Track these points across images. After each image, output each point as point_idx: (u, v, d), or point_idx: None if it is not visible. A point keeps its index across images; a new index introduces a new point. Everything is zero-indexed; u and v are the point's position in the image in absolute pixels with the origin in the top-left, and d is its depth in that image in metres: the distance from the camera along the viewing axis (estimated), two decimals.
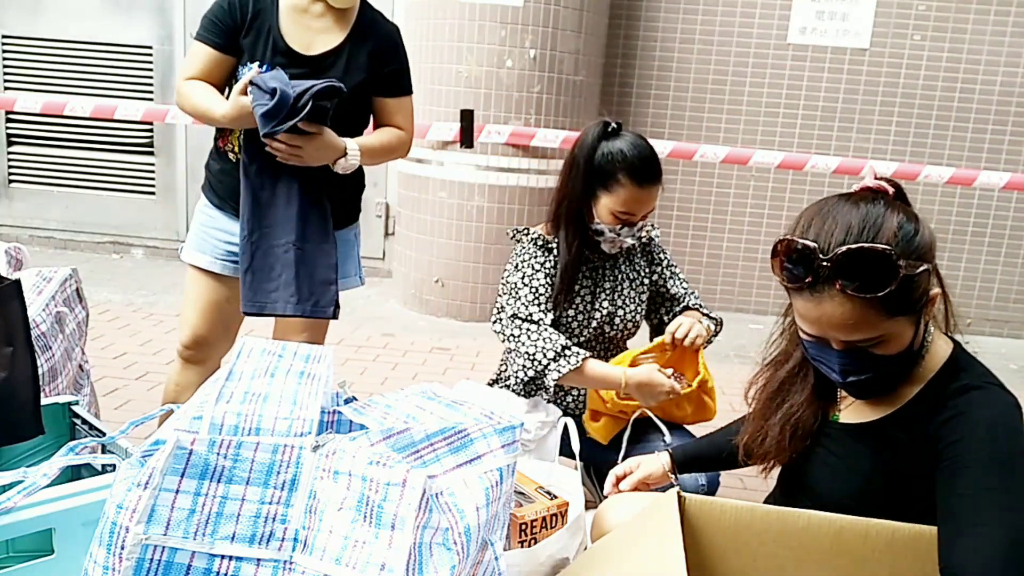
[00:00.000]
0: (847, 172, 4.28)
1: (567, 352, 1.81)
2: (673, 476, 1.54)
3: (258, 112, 1.70)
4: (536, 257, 1.91)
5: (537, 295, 1.88)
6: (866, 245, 1.06)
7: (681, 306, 2.05)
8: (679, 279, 2.07)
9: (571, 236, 1.88)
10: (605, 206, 1.82)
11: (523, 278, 1.89)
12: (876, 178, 1.17)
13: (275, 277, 1.84)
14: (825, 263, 1.07)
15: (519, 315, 1.86)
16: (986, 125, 4.57)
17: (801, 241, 1.10)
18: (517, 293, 1.88)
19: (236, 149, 1.90)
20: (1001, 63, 4.50)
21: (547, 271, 1.90)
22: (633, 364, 1.87)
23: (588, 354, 1.84)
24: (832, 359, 1.15)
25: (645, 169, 1.79)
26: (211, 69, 1.86)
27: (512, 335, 1.86)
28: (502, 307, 1.91)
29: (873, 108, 4.60)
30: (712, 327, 1.99)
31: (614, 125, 1.86)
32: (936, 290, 1.14)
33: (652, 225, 2.05)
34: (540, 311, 1.87)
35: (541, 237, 1.92)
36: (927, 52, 4.53)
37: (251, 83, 1.72)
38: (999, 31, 4.48)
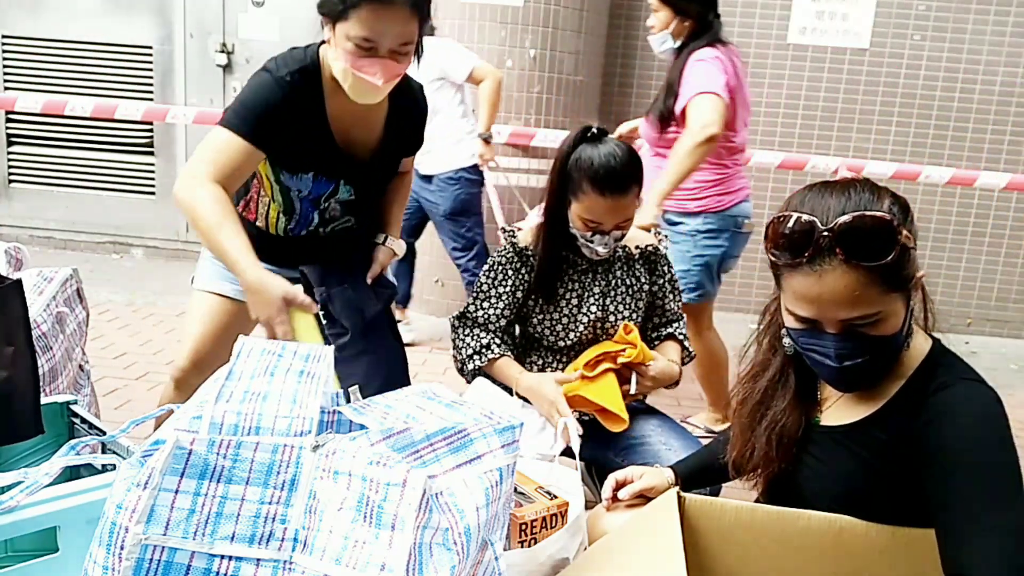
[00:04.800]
0: (847, 172, 4.29)
1: (483, 351, 1.90)
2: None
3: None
4: (512, 263, 1.94)
5: (499, 297, 1.93)
6: (868, 212, 1.07)
7: (666, 333, 2.05)
8: (677, 296, 2.06)
9: (548, 237, 1.90)
10: (575, 212, 1.83)
11: (491, 279, 1.95)
12: (849, 170, 1.19)
13: None
14: (826, 233, 1.07)
15: (467, 313, 1.95)
16: (986, 125, 4.56)
17: (799, 214, 1.11)
18: (479, 292, 1.95)
19: (267, 224, 1.85)
20: (1001, 63, 4.50)
21: (520, 277, 1.93)
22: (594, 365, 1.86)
23: (501, 355, 1.90)
24: (827, 344, 1.13)
25: (609, 179, 1.76)
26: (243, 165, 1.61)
27: (452, 326, 1.98)
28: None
29: (873, 108, 4.60)
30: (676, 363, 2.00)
31: (595, 130, 1.84)
32: (922, 272, 1.15)
33: (665, 236, 2.05)
34: (488, 313, 1.93)
35: (516, 244, 1.95)
36: (927, 52, 4.52)
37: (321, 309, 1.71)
38: (999, 31, 4.48)
